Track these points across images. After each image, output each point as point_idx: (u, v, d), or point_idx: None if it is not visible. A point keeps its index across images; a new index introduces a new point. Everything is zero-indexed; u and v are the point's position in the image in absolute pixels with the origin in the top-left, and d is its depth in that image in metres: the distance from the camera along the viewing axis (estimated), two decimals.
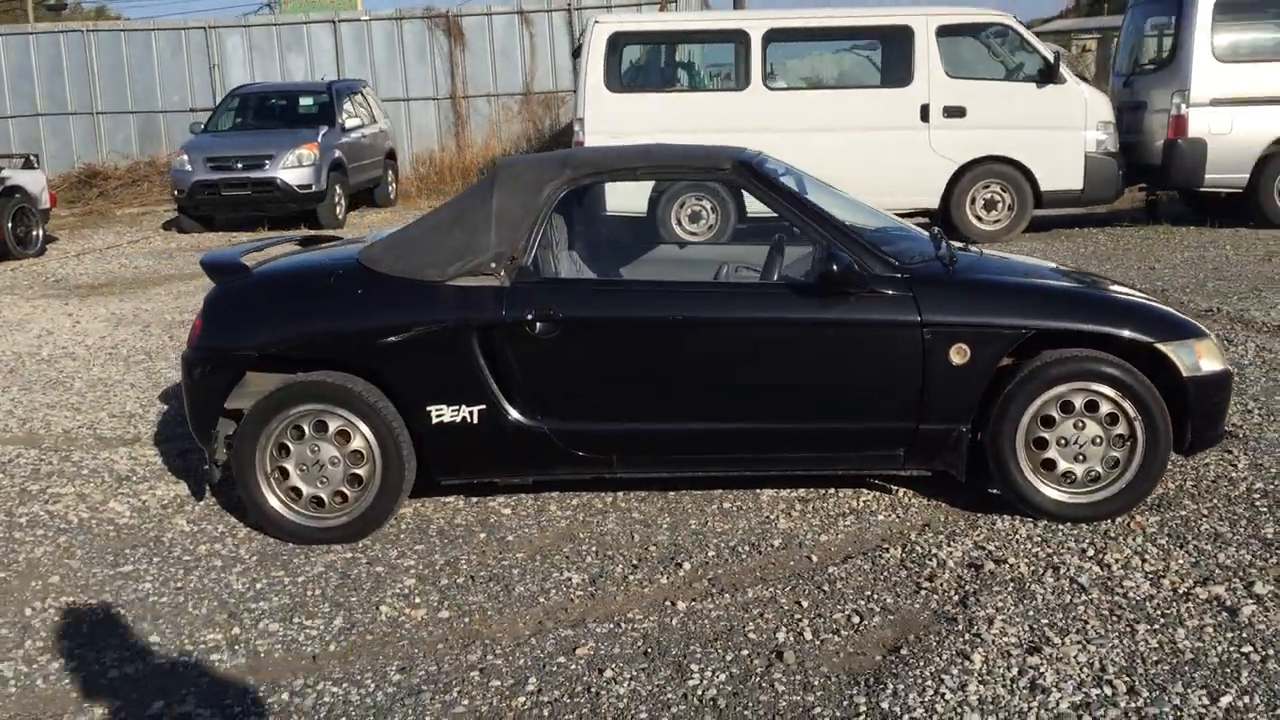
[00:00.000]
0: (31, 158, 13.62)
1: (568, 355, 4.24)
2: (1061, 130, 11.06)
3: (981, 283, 4.34)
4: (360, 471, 4.32)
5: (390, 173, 17.70)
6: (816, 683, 3.24)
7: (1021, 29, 11.29)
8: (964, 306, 4.17)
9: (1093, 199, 11.34)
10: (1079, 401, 4.16)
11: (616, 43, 11.39)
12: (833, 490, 4.68)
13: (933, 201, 11.29)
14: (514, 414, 4.27)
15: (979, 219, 11.19)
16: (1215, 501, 4.38)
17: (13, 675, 3.48)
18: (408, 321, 4.26)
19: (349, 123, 15.93)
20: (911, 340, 4.14)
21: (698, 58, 14.00)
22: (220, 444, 4.41)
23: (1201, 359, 4.15)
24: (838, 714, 3.07)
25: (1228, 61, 10.97)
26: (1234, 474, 4.64)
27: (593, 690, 3.25)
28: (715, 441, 4.31)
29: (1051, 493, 4.22)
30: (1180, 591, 3.66)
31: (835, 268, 4.06)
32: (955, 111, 11.16)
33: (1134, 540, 4.06)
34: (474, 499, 4.74)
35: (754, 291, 4.32)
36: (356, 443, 4.30)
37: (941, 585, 3.81)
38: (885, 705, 3.09)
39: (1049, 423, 4.19)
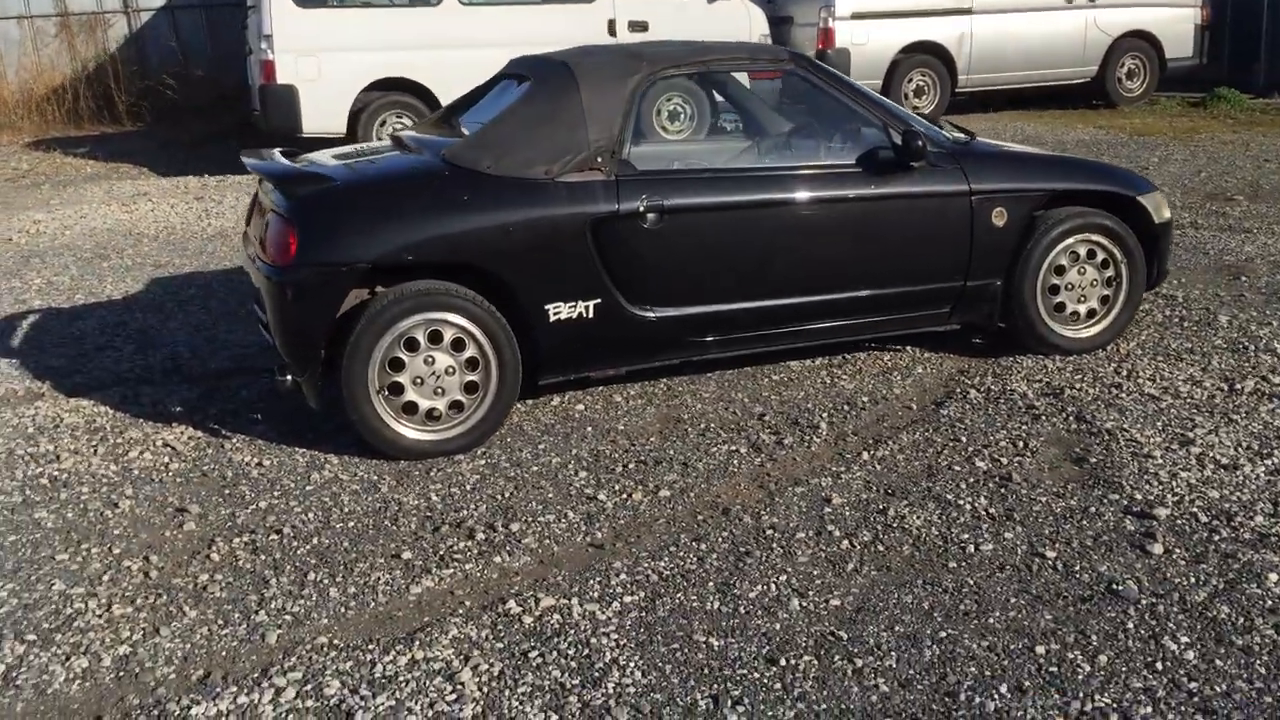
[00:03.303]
0: None
1: (675, 243, 4.40)
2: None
3: (1008, 154, 5.00)
4: (475, 378, 4.24)
5: None
6: (1069, 491, 3.76)
7: None
8: (1001, 175, 4.80)
9: None
10: (1082, 251, 4.94)
11: None
12: (850, 354, 5.17)
13: None
14: (626, 305, 4.37)
15: (664, 129, 11.87)
16: (1152, 328, 5.35)
17: (267, 617, 3.21)
18: (526, 220, 4.21)
19: None
20: (963, 206, 4.72)
21: None
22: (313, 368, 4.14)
23: (1162, 208, 5.07)
24: (1121, 513, 3.61)
25: None
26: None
27: (901, 526, 3.57)
28: (803, 314, 4.66)
29: (1063, 330, 4.99)
30: (1227, 390, 4.55)
31: (918, 143, 4.52)
32: (639, 26, 11.75)
33: (1142, 361, 4.93)
34: (528, 402, 4.74)
35: (837, 171, 4.66)
36: (471, 350, 4.22)
37: (1049, 410, 4.45)
38: (1143, 496, 3.68)
39: (1059, 271, 4.93)
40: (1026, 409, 4.47)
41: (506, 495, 3.91)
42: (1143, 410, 4.38)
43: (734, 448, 4.23)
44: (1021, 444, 4.15)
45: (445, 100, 11.07)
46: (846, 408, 4.57)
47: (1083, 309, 4.99)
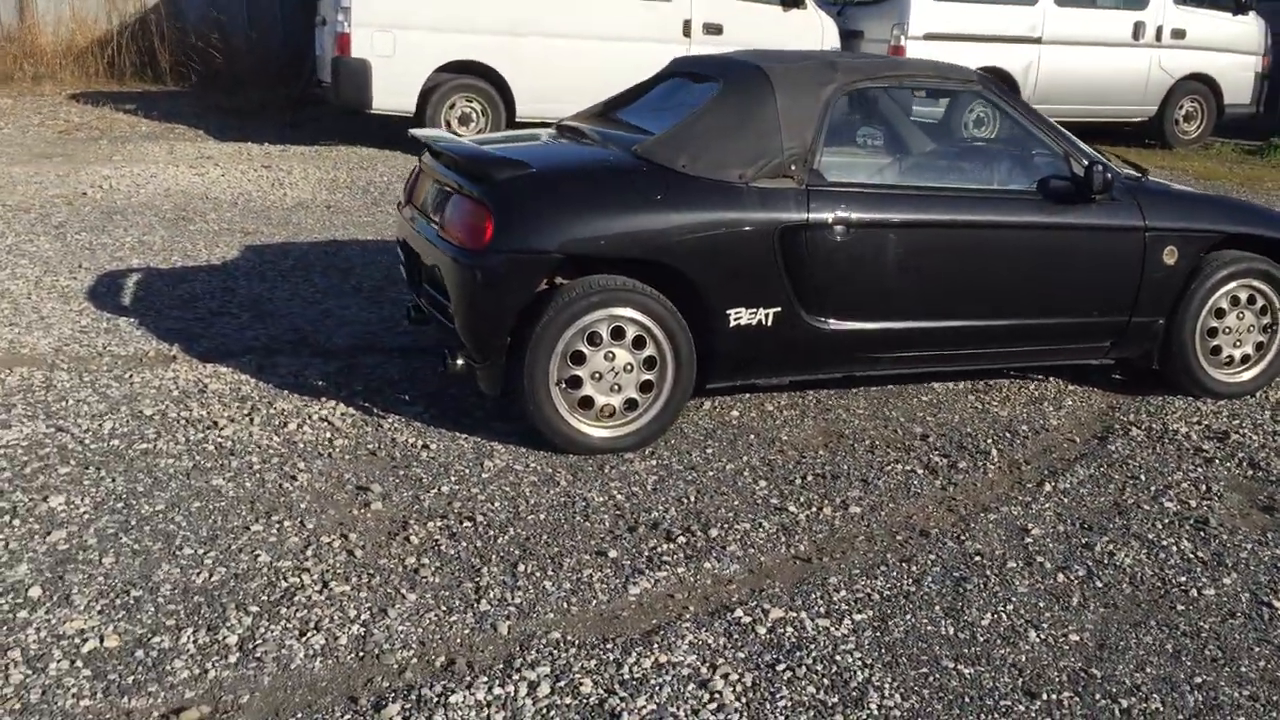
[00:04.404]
0: None
1: (860, 256, 4.34)
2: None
3: (1182, 193, 4.97)
4: (651, 378, 4.17)
5: None
6: (1271, 539, 3.72)
7: None
8: (1175, 213, 4.76)
9: None
10: (1243, 295, 4.91)
11: None
12: (994, 381, 5.12)
13: None
14: (805, 315, 4.31)
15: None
16: None
17: (490, 607, 3.13)
18: (717, 221, 4.15)
19: None
20: (1137, 242, 4.68)
21: None
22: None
23: None
24: None
25: (941, 0, 12.38)
26: None
27: (1113, 564, 3.52)
28: (973, 337, 4.60)
29: (1217, 373, 4.96)
30: None
31: (1106, 176, 4.48)
32: (713, 29, 11.68)
33: None
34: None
35: (1020, 197, 4.61)
36: (650, 348, 4.15)
37: (1219, 454, 4.41)
38: None
39: (1219, 314, 4.90)
40: (1195, 451, 4.44)
41: (691, 499, 3.84)
42: None
43: (908, 468, 4.18)
44: (1204, 487, 4.11)
45: (516, 87, 10.97)
46: (1009, 435, 4.53)
47: (1238, 354, 4.96)
